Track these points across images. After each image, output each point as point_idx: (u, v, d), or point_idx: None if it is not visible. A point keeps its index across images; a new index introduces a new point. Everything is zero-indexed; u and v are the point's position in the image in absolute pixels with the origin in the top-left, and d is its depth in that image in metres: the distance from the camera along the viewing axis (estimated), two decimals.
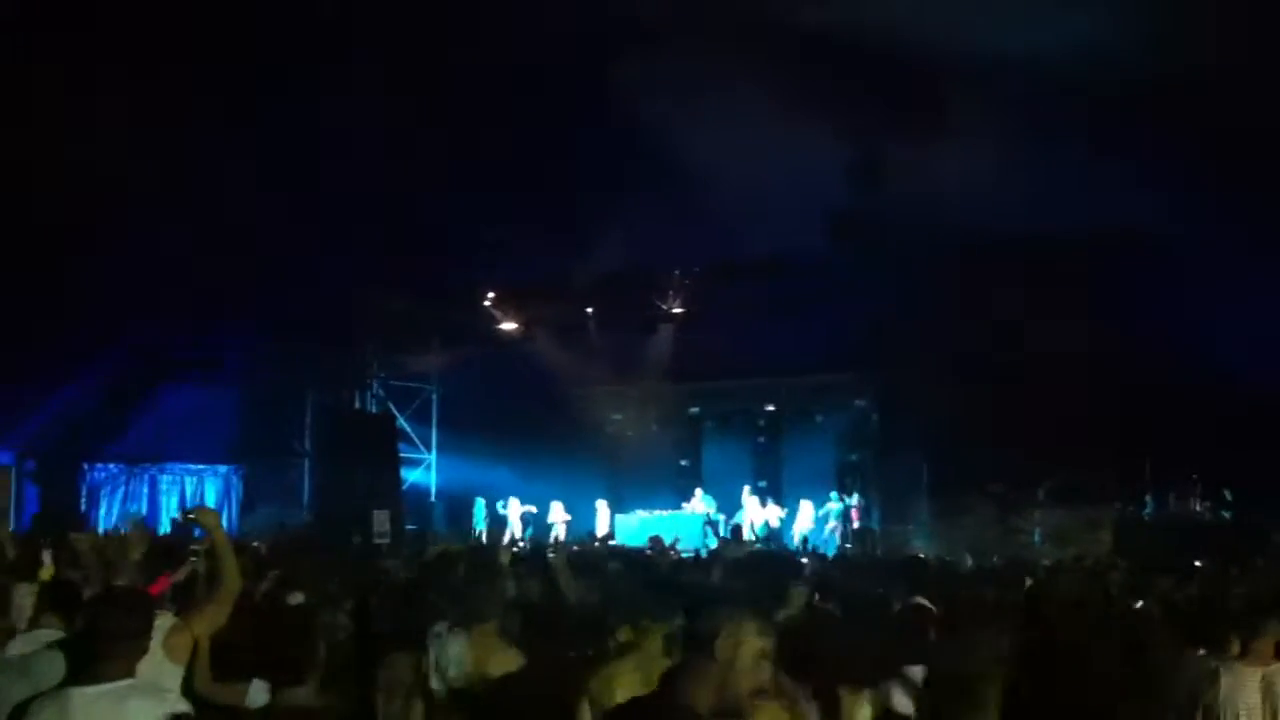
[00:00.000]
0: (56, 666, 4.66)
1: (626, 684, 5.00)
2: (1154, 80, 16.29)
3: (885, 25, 17.01)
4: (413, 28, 17.88)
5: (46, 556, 9.80)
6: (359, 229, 20.86)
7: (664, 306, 24.98)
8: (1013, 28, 16.78)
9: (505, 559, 8.54)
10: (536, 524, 24.44)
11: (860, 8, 17.05)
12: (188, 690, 5.14)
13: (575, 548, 14.55)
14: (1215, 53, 16.21)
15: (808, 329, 22.42)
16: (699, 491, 24.38)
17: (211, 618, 5.43)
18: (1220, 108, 16.81)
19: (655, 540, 12.90)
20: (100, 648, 4.33)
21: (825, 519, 23.17)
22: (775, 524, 23.27)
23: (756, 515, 23.44)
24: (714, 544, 19.96)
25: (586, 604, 6.92)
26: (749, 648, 3.48)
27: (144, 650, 4.51)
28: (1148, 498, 20.49)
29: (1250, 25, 15.98)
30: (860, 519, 23.16)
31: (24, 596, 6.34)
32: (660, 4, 17.62)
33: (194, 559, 7.08)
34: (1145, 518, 20.39)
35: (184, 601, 5.87)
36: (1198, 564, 14.52)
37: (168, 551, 9.78)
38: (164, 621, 5.40)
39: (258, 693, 5.04)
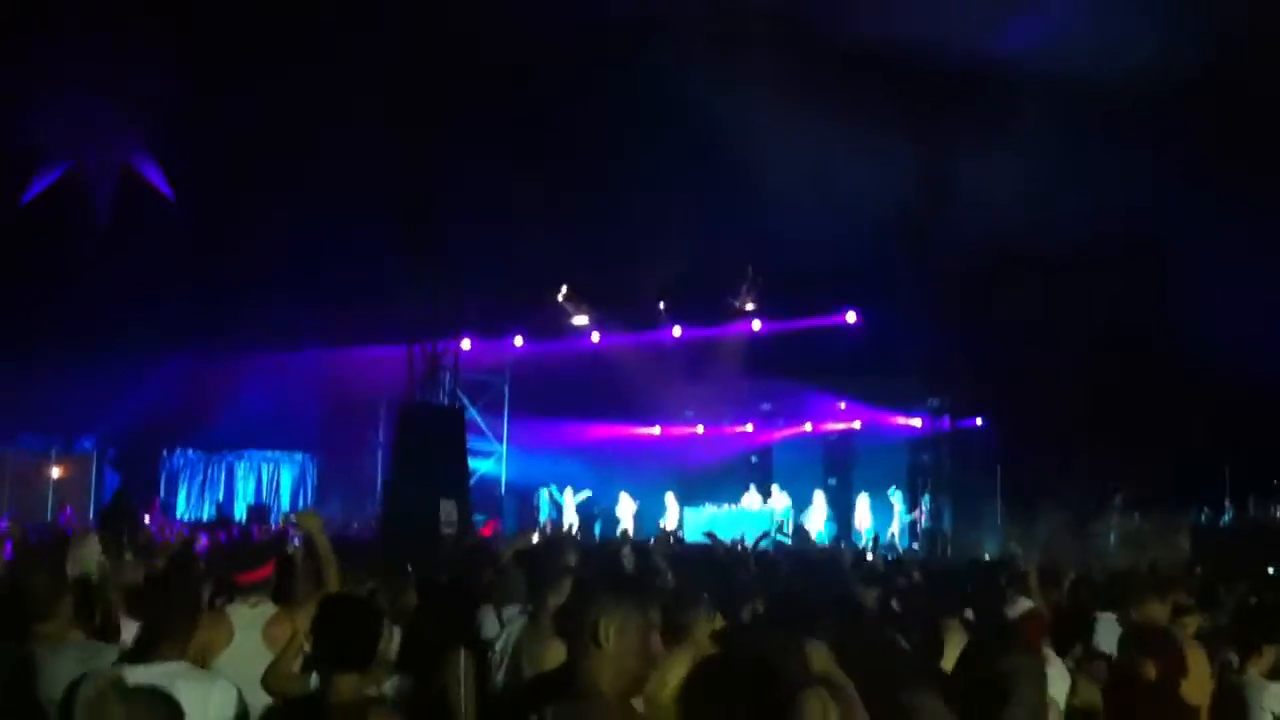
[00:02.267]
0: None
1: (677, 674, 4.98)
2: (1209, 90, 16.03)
3: (951, 34, 16.92)
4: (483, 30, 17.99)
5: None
6: (435, 222, 20.99)
7: (737, 303, 24.91)
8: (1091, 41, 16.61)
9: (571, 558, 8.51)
10: (604, 516, 24.50)
11: (920, 18, 16.94)
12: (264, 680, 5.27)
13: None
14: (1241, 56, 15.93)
15: (881, 328, 22.30)
16: (775, 487, 24.30)
17: (311, 613, 5.57)
18: None
19: (710, 536, 12.91)
20: (150, 630, 4.43)
21: (886, 523, 23.04)
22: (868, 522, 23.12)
23: (820, 515, 23.34)
24: (782, 541, 19.91)
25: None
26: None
27: (190, 632, 4.60)
28: (1227, 503, 20.12)
29: (1256, 29, 15.68)
30: (928, 519, 22.97)
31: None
32: (731, 10, 17.66)
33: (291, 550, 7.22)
34: (1224, 524, 20.02)
35: (284, 592, 5.99)
36: (1270, 571, 14.29)
37: (269, 541, 9.97)
38: (265, 610, 5.57)
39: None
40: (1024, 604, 6.60)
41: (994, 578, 8.59)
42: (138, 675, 4.12)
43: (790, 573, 9.45)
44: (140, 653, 4.38)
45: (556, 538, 16.66)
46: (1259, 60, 15.45)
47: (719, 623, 5.86)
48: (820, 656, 4.40)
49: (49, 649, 4.70)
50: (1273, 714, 5.43)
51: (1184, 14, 15.24)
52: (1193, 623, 6.63)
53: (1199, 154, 17.35)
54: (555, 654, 5.54)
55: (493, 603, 6.74)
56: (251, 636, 5.49)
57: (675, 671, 5.15)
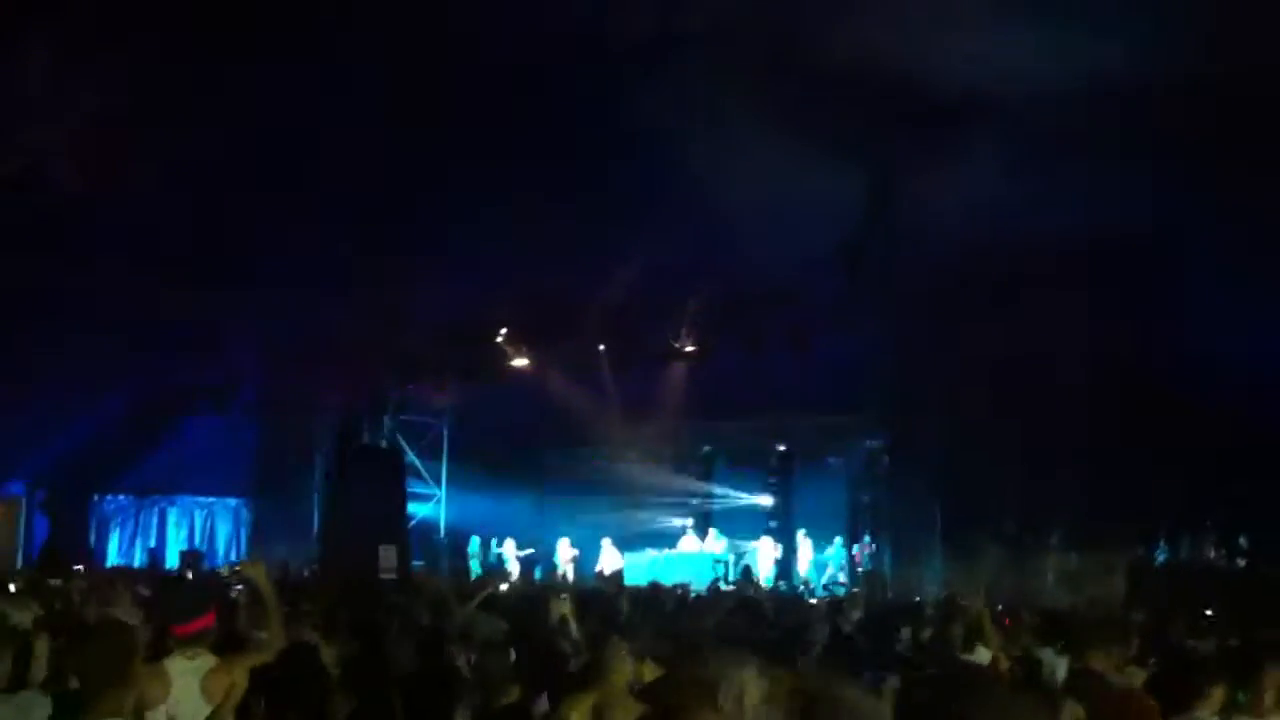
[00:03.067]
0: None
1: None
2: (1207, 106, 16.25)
3: (899, 55, 17.00)
4: (414, 49, 17.88)
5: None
6: (372, 263, 20.86)
7: (676, 345, 24.95)
8: (1036, 61, 16.76)
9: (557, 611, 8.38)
10: (543, 564, 24.37)
11: (872, 39, 17.03)
12: None
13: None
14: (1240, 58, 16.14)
15: (821, 369, 22.36)
16: (713, 531, 24.28)
17: (251, 664, 5.48)
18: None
19: (653, 585, 12.91)
20: (85, 685, 4.28)
21: (824, 563, 23.09)
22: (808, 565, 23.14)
23: (768, 558, 23.31)
24: (723, 585, 19.88)
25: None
26: (750, 697, 3.40)
27: (127, 687, 4.46)
28: (1161, 543, 20.34)
29: (1257, 33, 15.92)
30: (866, 561, 23.04)
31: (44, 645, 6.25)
32: (673, 37, 17.62)
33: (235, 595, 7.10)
34: (1159, 564, 20.24)
35: (224, 643, 5.87)
36: (1208, 613, 14.42)
37: (209, 590, 9.77)
38: (204, 662, 5.44)
39: None
40: (983, 654, 6.55)
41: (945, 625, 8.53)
42: None
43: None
44: (75, 708, 4.24)
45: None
46: (1221, 72, 15.65)
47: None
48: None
49: None
50: None
51: (1150, 22, 15.43)
52: (1138, 675, 6.64)
53: (1139, 192, 17.58)
54: None
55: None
56: (190, 689, 5.37)
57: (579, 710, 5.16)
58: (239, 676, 5.33)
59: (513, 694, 6.11)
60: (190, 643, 5.55)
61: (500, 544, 24.66)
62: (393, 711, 5.75)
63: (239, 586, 7.90)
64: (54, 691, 5.10)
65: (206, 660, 5.50)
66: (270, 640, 5.72)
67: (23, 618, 6.54)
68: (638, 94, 17.59)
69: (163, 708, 5.19)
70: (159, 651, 5.77)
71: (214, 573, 17.71)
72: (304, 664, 4.94)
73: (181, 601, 6.25)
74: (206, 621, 5.71)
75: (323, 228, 20.10)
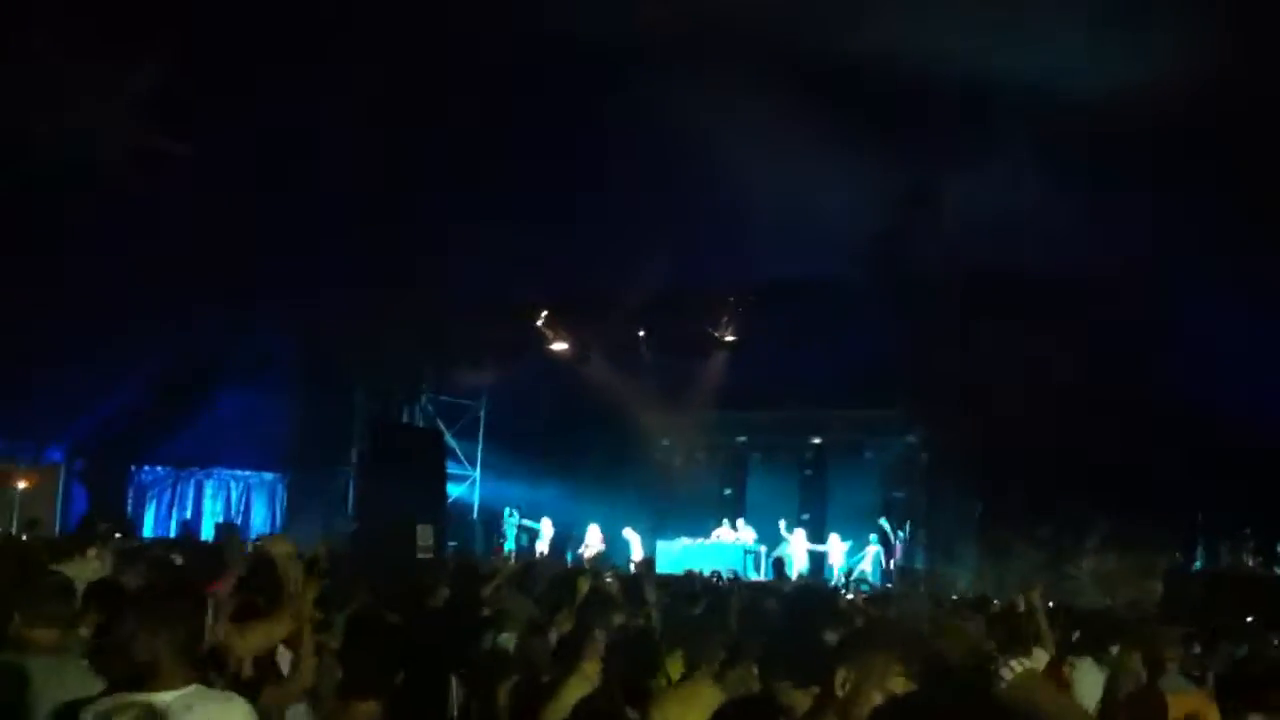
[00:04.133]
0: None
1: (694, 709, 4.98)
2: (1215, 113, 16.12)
3: (934, 54, 16.92)
4: (467, 42, 17.90)
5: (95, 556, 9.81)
6: (414, 244, 20.90)
7: (716, 334, 24.89)
8: (1060, 54, 16.68)
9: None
10: (575, 547, 24.38)
11: (910, 35, 16.95)
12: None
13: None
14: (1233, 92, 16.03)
15: (857, 363, 22.27)
16: (741, 521, 24.23)
17: (263, 636, 5.46)
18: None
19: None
20: (157, 654, 4.21)
21: (860, 558, 22.99)
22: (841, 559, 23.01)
23: (801, 550, 23.22)
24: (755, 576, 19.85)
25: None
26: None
27: (198, 654, 4.44)
28: (1199, 549, 20.19)
29: (1259, 66, 15.79)
30: (902, 558, 22.93)
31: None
32: (711, 33, 17.60)
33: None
34: (1195, 569, 20.10)
35: (239, 612, 5.87)
36: (1249, 619, 14.29)
37: (215, 557, 9.80)
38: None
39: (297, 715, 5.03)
40: (1040, 656, 6.46)
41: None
42: (164, 701, 3.98)
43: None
44: (144, 679, 4.16)
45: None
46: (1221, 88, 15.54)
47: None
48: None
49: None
50: None
51: (1161, 41, 15.35)
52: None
53: (1183, 190, 17.42)
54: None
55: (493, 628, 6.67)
56: None
57: (565, 699, 5.17)
58: (243, 647, 5.35)
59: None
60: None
61: (538, 522, 24.65)
62: (446, 687, 5.75)
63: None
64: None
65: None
66: (286, 616, 5.65)
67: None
68: (682, 85, 17.57)
69: None
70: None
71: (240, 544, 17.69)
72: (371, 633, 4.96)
73: (199, 565, 6.26)
74: (217, 585, 5.75)
75: (363, 204, 20.16)
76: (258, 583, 6.32)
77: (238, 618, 5.68)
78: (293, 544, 6.04)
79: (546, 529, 24.58)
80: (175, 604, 4.38)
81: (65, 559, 9.06)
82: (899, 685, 3.33)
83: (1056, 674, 6.11)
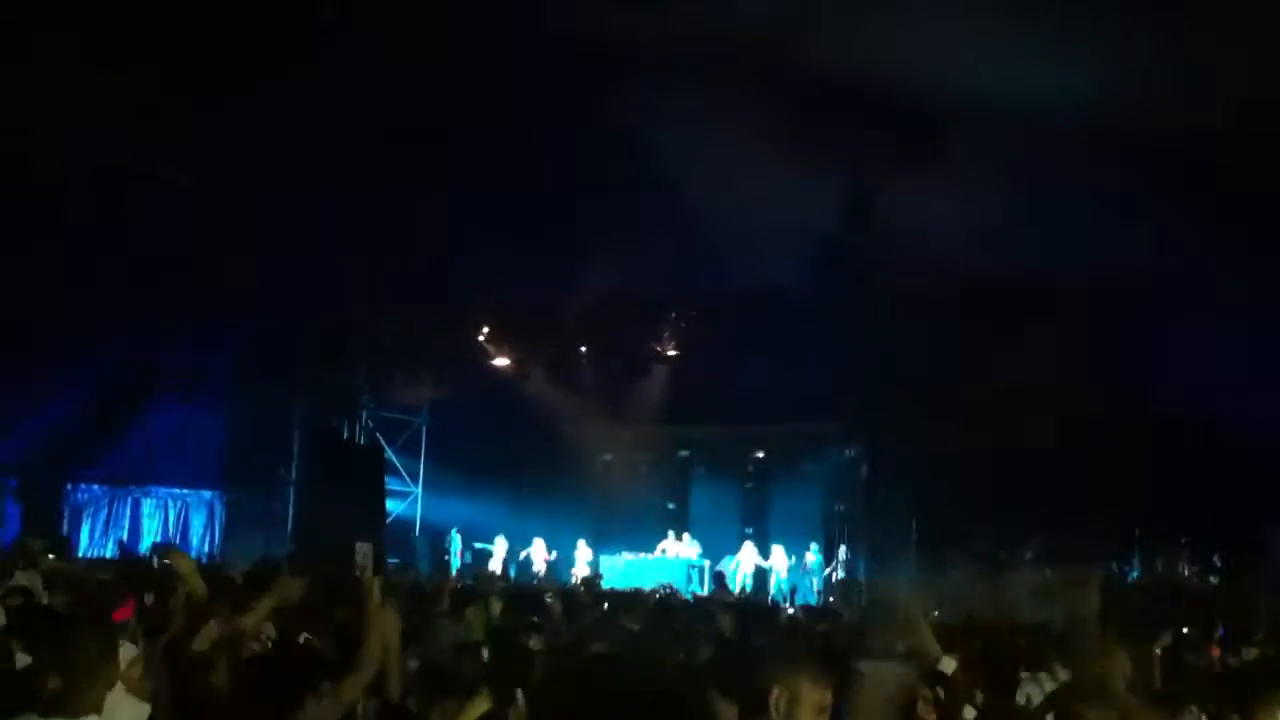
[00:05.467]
0: None
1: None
2: (1154, 130, 16.36)
3: (883, 67, 17.08)
4: (411, 50, 17.86)
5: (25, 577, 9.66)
6: (353, 257, 20.79)
7: (658, 348, 24.92)
8: (1006, 73, 16.86)
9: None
10: (520, 563, 24.27)
11: (856, 49, 17.11)
12: None
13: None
14: (1216, 106, 16.30)
15: (800, 377, 22.34)
16: (687, 535, 24.24)
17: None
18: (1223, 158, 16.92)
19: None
20: (69, 678, 4.15)
21: (802, 569, 23.06)
22: (784, 573, 23.04)
23: (750, 564, 23.28)
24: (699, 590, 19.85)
25: None
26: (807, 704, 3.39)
27: (110, 683, 4.38)
28: (1135, 560, 20.42)
29: (1252, 82, 16.09)
30: (843, 570, 23.04)
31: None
32: (657, 46, 17.65)
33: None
34: (1132, 580, 20.31)
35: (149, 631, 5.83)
36: (1185, 631, 14.45)
37: (134, 577, 9.67)
38: (125, 652, 5.36)
39: None
40: (949, 663, 6.55)
41: None
42: None
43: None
44: (54, 703, 4.08)
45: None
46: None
47: None
48: None
49: None
50: None
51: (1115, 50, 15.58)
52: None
53: (1134, 196, 17.68)
54: None
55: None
56: None
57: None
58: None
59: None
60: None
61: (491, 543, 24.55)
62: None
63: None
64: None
65: (127, 650, 5.46)
66: (206, 632, 5.63)
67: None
68: (623, 99, 17.61)
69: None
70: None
71: (140, 560, 17.43)
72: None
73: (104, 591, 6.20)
74: (126, 612, 5.70)
75: (305, 219, 20.01)
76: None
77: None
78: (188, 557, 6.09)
79: (499, 548, 24.44)
80: (84, 630, 4.33)
81: None
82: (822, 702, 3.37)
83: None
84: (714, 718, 4.30)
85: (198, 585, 5.67)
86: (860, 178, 19.96)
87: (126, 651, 5.43)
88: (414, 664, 6.37)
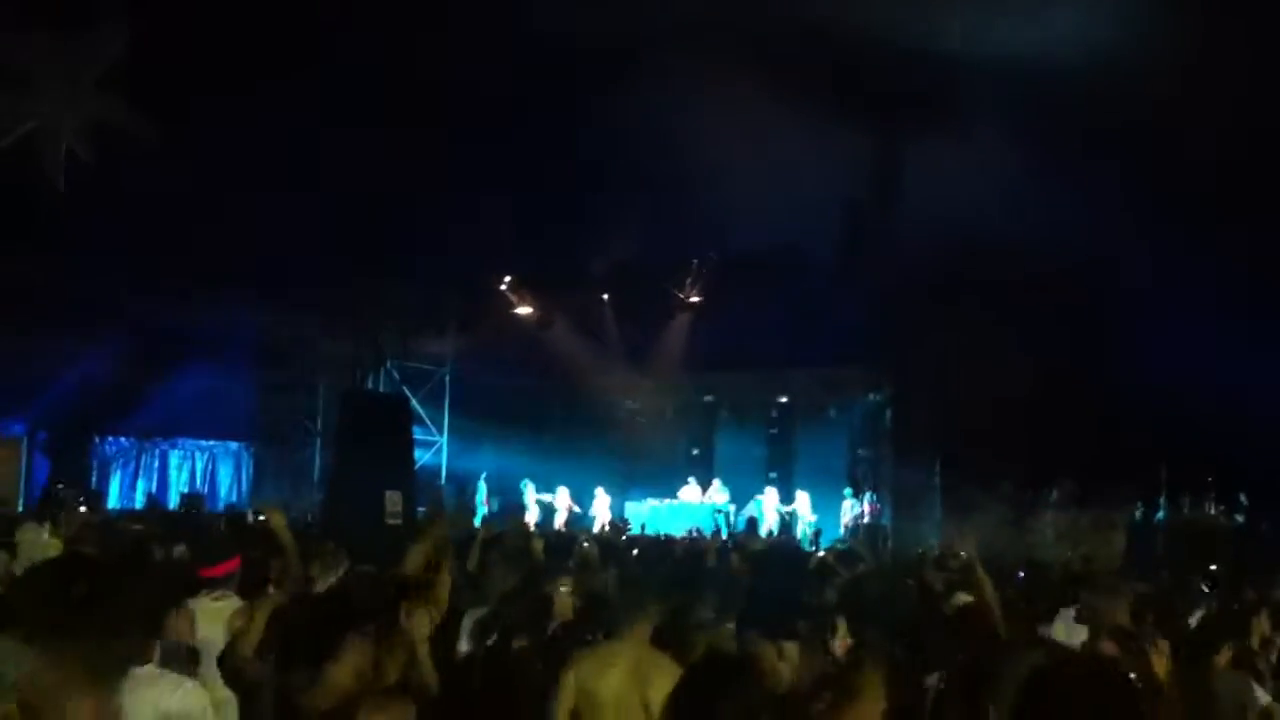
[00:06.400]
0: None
1: (616, 673, 5.01)
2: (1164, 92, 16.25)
3: (901, 25, 16.97)
4: (423, 14, 17.79)
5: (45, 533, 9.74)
6: (377, 209, 20.79)
7: (681, 296, 24.89)
8: (1027, 30, 16.76)
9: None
10: (544, 508, 24.41)
11: (878, 7, 17.00)
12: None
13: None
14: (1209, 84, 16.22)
15: (823, 322, 22.34)
16: (717, 481, 24.32)
17: (273, 605, 5.56)
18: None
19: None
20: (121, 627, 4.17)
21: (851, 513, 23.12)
22: (810, 516, 23.11)
23: (771, 508, 23.36)
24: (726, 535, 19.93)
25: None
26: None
27: (151, 635, 4.41)
28: (1162, 501, 20.42)
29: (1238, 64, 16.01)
30: (869, 516, 23.09)
31: None
32: (676, 3, 17.59)
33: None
34: (1158, 521, 20.32)
35: (249, 586, 6.01)
36: (1213, 568, 14.50)
37: (238, 534, 9.78)
38: (229, 604, 5.57)
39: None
40: (961, 598, 6.67)
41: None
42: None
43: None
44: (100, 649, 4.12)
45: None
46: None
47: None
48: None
49: None
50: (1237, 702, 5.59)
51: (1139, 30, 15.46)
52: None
53: (1149, 168, 17.58)
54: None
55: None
56: (216, 630, 5.46)
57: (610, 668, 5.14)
58: (260, 617, 5.37)
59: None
60: (214, 585, 5.79)
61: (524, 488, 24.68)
62: None
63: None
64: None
65: (232, 602, 5.71)
66: (291, 584, 5.84)
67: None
68: (651, 51, 17.54)
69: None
70: (187, 592, 5.83)
71: (241, 516, 17.70)
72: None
73: (210, 546, 6.37)
74: (231, 566, 5.85)
75: (326, 175, 20.01)
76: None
77: (244, 592, 5.88)
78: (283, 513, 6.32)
79: (562, 499, 24.50)
80: (129, 577, 4.39)
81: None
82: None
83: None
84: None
85: (289, 539, 5.88)
86: (887, 128, 19.84)
87: (230, 603, 5.59)
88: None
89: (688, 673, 3.51)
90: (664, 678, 4.51)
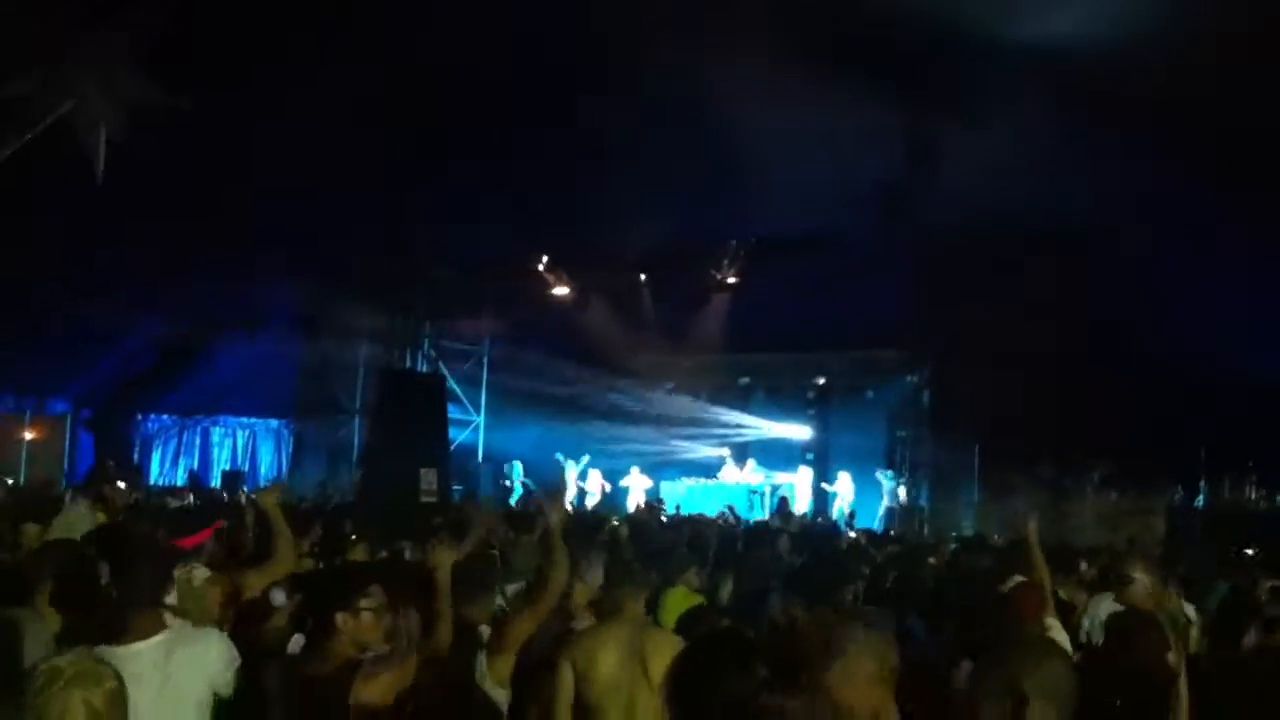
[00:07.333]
0: None
1: (612, 649, 5.04)
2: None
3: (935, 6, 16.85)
4: None
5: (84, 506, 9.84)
6: (414, 190, 20.85)
7: (718, 276, 24.84)
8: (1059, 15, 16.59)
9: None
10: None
11: None
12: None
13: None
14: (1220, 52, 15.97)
15: (861, 303, 22.24)
16: (751, 461, 24.33)
17: (252, 581, 5.72)
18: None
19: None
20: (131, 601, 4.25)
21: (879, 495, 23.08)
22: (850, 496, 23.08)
23: (806, 490, 23.34)
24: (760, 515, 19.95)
25: None
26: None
27: (161, 603, 4.49)
28: (1202, 484, 20.24)
29: (1250, 26, 15.71)
30: (906, 498, 23.04)
31: None
32: None
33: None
34: (1198, 505, 20.16)
35: (224, 557, 6.13)
36: (1249, 552, 14.38)
37: (213, 506, 9.92)
38: (198, 574, 5.61)
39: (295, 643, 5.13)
40: (1015, 579, 6.62)
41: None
42: (134, 653, 4.02)
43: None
44: (119, 633, 4.19)
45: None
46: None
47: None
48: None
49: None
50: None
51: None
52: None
53: (1182, 135, 17.35)
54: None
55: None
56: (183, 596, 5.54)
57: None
58: (239, 586, 5.64)
59: None
60: (188, 556, 5.84)
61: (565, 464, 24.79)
62: None
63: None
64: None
65: (201, 573, 5.68)
66: (278, 561, 5.89)
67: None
68: (686, 30, 17.47)
69: None
70: None
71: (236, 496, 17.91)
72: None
73: (185, 518, 6.55)
74: (203, 537, 5.98)
75: (366, 153, 20.07)
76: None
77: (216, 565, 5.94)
78: (280, 493, 6.47)
79: (594, 481, 24.63)
80: (138, 555, 4.47)
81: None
82: None
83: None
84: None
85: (278, 518, 5.97)
86: (925, 106, 19.70)
87: (200, 573, 5.67)
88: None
89: (687, 649, 3.52)
90: (663, 652, 4.54)
